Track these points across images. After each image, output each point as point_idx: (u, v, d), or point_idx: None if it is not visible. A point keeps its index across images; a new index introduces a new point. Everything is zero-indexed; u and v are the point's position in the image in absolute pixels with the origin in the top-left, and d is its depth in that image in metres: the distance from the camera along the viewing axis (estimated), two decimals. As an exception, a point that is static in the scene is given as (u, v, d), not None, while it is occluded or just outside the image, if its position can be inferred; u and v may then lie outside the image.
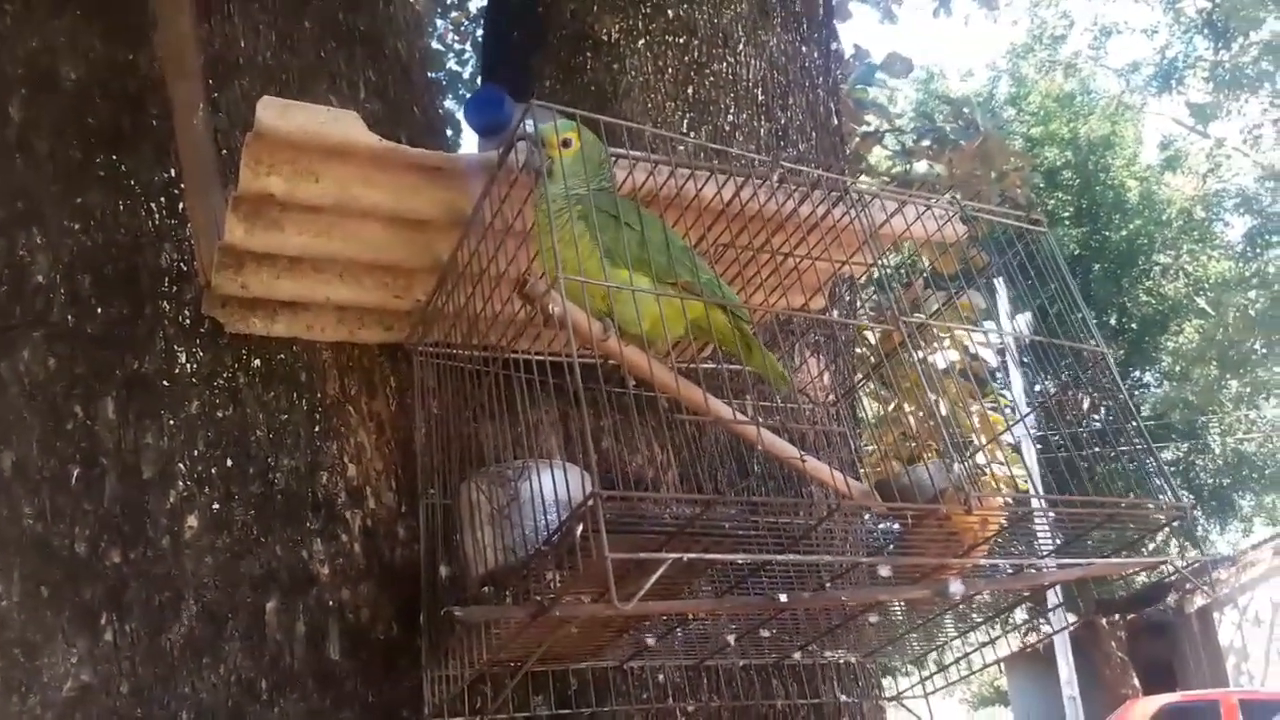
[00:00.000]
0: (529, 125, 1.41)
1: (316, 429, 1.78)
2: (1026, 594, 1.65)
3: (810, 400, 2.35)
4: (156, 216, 1.81)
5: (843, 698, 1.98)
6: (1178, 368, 17.12)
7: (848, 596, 1.38)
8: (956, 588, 1.40)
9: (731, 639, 1.71)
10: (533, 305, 1.33)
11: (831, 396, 2.38)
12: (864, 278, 2.78)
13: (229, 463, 1.71)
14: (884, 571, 1.52)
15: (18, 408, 1.63)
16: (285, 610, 1.64)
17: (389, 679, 1.66)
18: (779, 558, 1.22)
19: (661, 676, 1.86)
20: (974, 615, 1.83)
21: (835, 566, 1.53)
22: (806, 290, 2.02)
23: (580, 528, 1.17)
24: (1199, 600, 15.26)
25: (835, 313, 2.47)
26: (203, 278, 1.72)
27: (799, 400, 2.32)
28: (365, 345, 1.88)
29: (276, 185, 1.49)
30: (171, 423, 1.70)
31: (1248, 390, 16.62)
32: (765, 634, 1.73)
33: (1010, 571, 1.53)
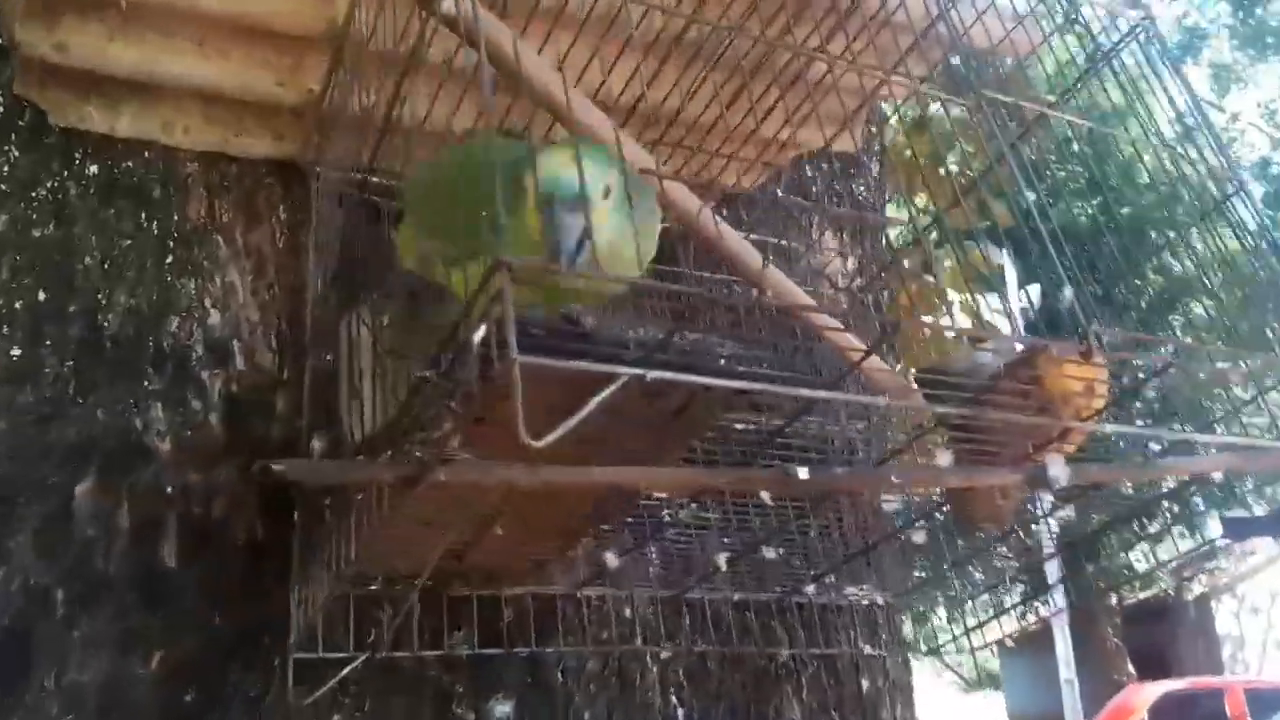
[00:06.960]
0: None
1: (169, 260, 1.31)
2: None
3: (832, 285, 1.89)
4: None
5: (865, 649, 1.52)
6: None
7: (899, 477, 0.92)
8: (1058, 471, 0.94)
9: (723, 560, 1.26)
10: (430, 10, 0.86)
11: (858, 282, 1.92)
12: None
13: (42, 295, 1.24)
14: (943, 460, 1.06)
15: None
16: (102, 494, 1.18)
17: (247, 596, 1.20)
18: (823, 394, 0.76)
19: (629, 611, 1.40)
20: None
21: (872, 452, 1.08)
22: (827, 122, 1.50)
23: (483, 330, 0.71)
24: (1197, 587, 14.91)
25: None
26: (4, 35, 1.25)
27: (818, 286, 1.86)
28: (249, 160, 1.40)
29: None
30: (-34, 238, 1.23)
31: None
32: (770, 554, 1.28)
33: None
